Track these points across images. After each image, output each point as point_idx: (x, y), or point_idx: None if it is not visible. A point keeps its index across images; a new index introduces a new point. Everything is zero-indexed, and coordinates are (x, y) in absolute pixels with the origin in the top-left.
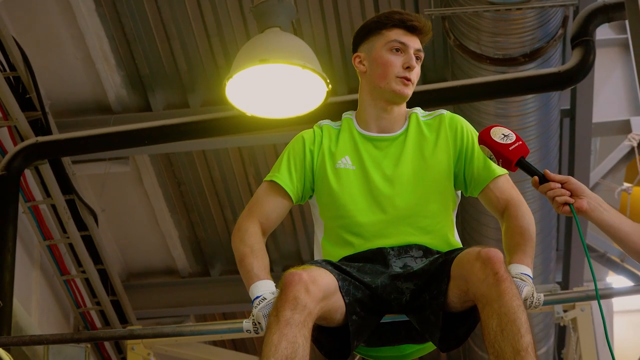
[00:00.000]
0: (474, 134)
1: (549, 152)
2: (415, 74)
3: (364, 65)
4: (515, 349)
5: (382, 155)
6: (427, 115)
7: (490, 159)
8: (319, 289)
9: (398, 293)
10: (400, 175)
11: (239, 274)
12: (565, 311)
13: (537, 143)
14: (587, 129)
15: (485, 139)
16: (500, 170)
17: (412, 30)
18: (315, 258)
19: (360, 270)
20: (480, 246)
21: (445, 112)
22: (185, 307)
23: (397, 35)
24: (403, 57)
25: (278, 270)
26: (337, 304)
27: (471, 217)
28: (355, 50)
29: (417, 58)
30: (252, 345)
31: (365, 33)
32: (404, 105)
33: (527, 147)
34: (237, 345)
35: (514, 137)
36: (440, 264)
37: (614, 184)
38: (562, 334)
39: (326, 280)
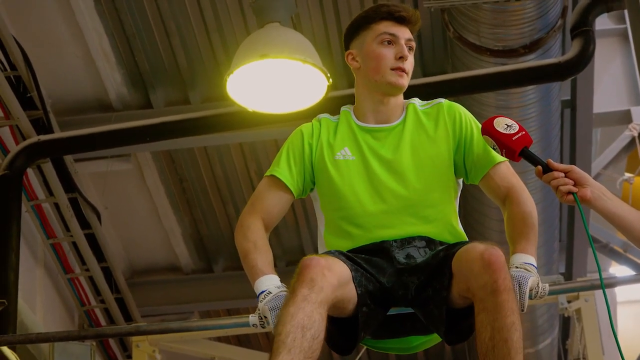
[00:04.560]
0: (473, 121)
1: (550, 143)
2: (409, 64)
3: (357, 61)
4: None
5: (380, 144)
6: (425, 104)
7: (494, 149)
8: (335, 276)
9: (404, 289)
10: (400, 164)
11: (242, 269)
12: (569, 302)
13: (539, 134)
14: (588, 119)
15: (488, 130)
16: (500, 157)
17: (401, 21)
18: (319, 252)
19: (368, 262)
20: (483, 244)
21: (443, 101)
22: (189, 303)
23: (386, 27)
24: (395, 48)
25: (281, 265)
26: (350, 294)
27: (473, 208)
28: (347, 47)
29: (409, 48)
30: (257, 341)
31: (355, 29)
32: (401, 96)
33: (531, 137)
34: (242, 341)
35: (517, 127)
36: (442, 259)
37: (616, 174)
38: (566, 324)
39: (341, 269)
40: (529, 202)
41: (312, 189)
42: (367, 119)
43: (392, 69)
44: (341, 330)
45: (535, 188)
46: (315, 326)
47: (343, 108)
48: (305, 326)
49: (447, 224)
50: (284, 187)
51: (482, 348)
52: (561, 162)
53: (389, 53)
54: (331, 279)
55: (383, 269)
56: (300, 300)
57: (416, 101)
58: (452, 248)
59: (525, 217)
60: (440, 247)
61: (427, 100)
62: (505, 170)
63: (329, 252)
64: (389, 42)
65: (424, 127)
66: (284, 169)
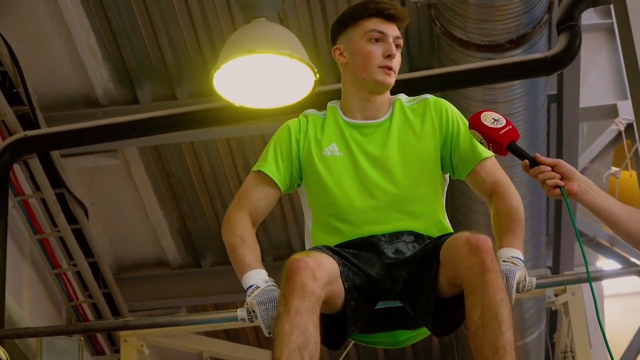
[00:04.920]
0: (459, 117)
1: (537, 138)
2: (397, 62)
3: (344, 57)
4: (494, 346)
5: (368, 141)
6: (412, 100)
7: (481, 143)
8: (325, 274)
9: (393, 282)
10: (387, 160)
11: (230, 264)
12: (556, 295)
13: (525, 129)
14: (575, 113)
15: (475, 124)
16: (487, 152)
17: (390, 18)
18: (307, 247)
19: (356, 257)
20: (470, 232)
21: (429, 97)
22: (176, 298)
23: (374, 24)
24: (383, 46)
25: (269, 260)
26: (339, 289)
27: (460, 203)
28: (334, 42)
29: (397, 46)
30: (245, 335)
31: (342, 25)
32: (388, 92)
33: (517, 131)
34: (230, 335)
35: (504, 122)
36: (430, 249)
37: (602, 168)
38: (553, 318)
39: (330, 265)
40: (515, 197)
41: (299, 185)
42: (354, 115)
43: (380, 67)
44: (330, 325)
45: (521, 182)
46: (311, 340)
47: (330, 104)
48: (302, 345)
49: (435, 219)
50: (271, 183)
51: (472, 327)
52: (548, 156)
53: (377, 51)
54: (322, 278)
55: (371, 263)
56: (294, 314)
57: (403, 97)
58: (440, 238)
59: (511, 212)
60: (429, 240)
61: (413, 95)
62: (492, 165)
63: (316, 248)
64: (377, 40)
65: (410, 123)
66: (271, 164)
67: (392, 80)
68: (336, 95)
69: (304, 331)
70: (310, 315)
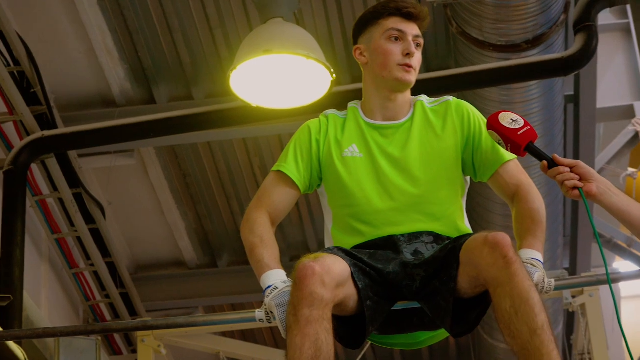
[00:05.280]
0: (481, 119)
1: (553, 138)
2: (417, 60)
3: (364, 56)
4: (531, 328)
5: (388, 142)
6: (433, 101)
7: (499, 144)
8: (333, 279)
9: (409, 280)
10: (408, 162)
11: (247, 264)
12: (573, 297)
13: (542, 129)
14: (591, 114)
15: (493, 124)
16: (509, 155)
17: (409, 17)
18: (326, 247)
19: (372, 257)
20: (487, 231)
21: (451, 99)
22: (193, 298)
23: (394, 23)
24: (402, 44)
25: (285, 260)
26: (351, 291)
27: (478, 204)
28: (355, 42)
29: (417, 45)
30: (262, 336)
31: (363, 24)
32: (409, 92)
33: (536, 132)
34: (247, 336)
35: (522, 122)
36: (449, 250)
37: (619, 169)
38: (570, 319)
39: (339, 268)
40: (537, 199)
41: (319, 185)
42: (375, 116)
43: (399, 65)
44: (349, 325)
45: (539, 183)
46: (324, 349)
47: (350, 104)
48: (315, 356)
49: (454, 221)
50: (291, 183)
51: (505, 318)
52: (565, 157)
53: (396, 49)
54: (330, 284)
55: (388, 260)
56: (304, 325)
57: (424, 98)
58: (459, 239)
59: (533, 214)
60: (448, 241)
61: (432, 96)
62: (514, 167)
63: (327, 249)
64: (397, 39)
65: (431, 125)
66: (291, 164)
67: (412, 77)
68: (352, 95)
69: (315, 341)
70: (321, 322)
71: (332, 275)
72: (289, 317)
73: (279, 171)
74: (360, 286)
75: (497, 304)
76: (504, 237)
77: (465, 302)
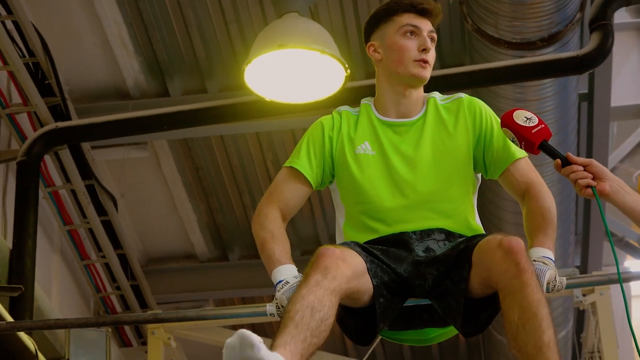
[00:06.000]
0: (493, 116)
1: (567, 137)
2: (432, 56)
3: (379, 53)
4: (537, 345)
5: (401, 139)
6: (446, 99)
7: (513, 141)
8: (349, 268)
9: (421, 279)
10: (420, 159)
11: (258, 258)
12: (584, 295)
13: (556, 127)
14: (605, 113)
15: (508, 122)
16: (520, 152)
17: (423, 13)
18: (337, 242)
19: (385, 253)
20: (502, 234)
21: (463, 96)
22: (204, 291)
23: (408, 19)
24: (417, 40)
25: (296, 254)
26: (365, 285)
27: (489, 200)
28: (367, 39)
29: (431, 40)
30: (272, 330)
31: (376, 21)
32: (422, 89)
33: (550, 130)
34: (257, 329)
35: (536, 120)
36: (461, 250)
37: (632, 167)
38: (581, 317)
39: (356, 261)
40: (547, 197)
41: (330, 182)
42: (388, 113)
43: (415, 61)
44: (360, 321)
45: (551, 181)
46: (325, 310)
47: (363, 101)
48: (315, 308)
49: (465, 219)
50: (303, 179)
51: (512, 329)
52: (577, 155)
53: (411, 45)
54: (345, 270)
55: (401, 259)
56: (313, 284)
57: (437, 95)
58: (472, 240)
59: (544, 212)
60: (460, 239)
61: (446, 93)
62: (525, 165)
63: (345, 243)
64: (412, 34)
65: (444, 122)
66: (304, 160)
67: (427, 73)
68: (366, 91)
69: (320, 299)
70: (329, 292)
71: (349, 264)
72: (300, 284)
73: (291, 167)
74: (374, 283)
75: (505, 312)
76: (518, 244)
77: (477, 302)
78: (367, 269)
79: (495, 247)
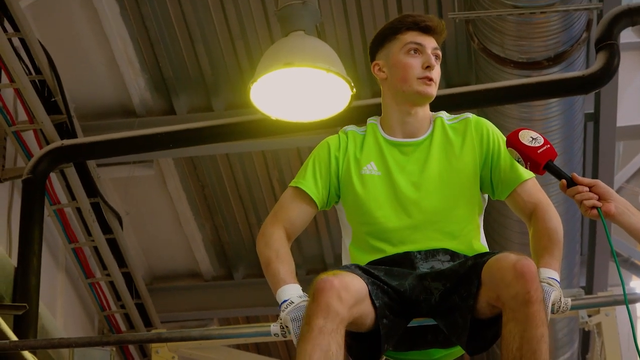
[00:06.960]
0: (500, 137)
1: (573, 156)
2: (436, 73)
3: (383, 72)
4: None
5: (408, 160)
6: (453, 118)
7: (518, 161)
8: (351, 295)
9: (427, 294)
10: (427, 180)
11: (263, 277)
12: (589, 316)
13: (561, 147)
14: (611, 132)
15: (513, 142)
16: (527, 173)
17: (427, 30)
18: (343, 262)
19: (388, 273)
20: (515, 254)
21: (470, 116)
22: (209, 310)
23: (412, 37)
24: (421, 57)
25: (302, 273)
26: (368, 309)
27: (495, 220)
28: (372, 58)
29: (436, 57)
30: (276, 349)
31: (381, 40)
32: (428, 108)
33: (555, 150)
34: (261, 349)
35: (542, 140)
36: (470, 267)
37: (638, 187)
38: (586, 338)
39: (357, 286)
40: (554, 219)
41: (336, 202)
42: (394, 132)
43: (420, 78)
44: (364, 342)
45: (557, 201)
46: (334, 357)
47: (369, 120)
48: None
49: (470, 240)
50: (308, 199)
51: (510, 356)
52: (583, 175)
53: (415, 62)
54: (347, 300)
55: (404, 276)
56: (317, 334)
57: (443, 115)
58: (482, 257)
59: (550, 234)
60: (465, 258)
61: (452, 111)
62: (532, 186)
63: (345, 267)
64: (416, 52)
65: (451, 143)
66: (310, 181)
67: (432, 90)
68: (372, 110)
69: (326, 352)
70: (334, 335)
71: (350, 292)
72: (303, 327)
73: (296, 187)
74: (377, 304)
75: (505, 337)
76: (530, 268)
77: (482, 321)
78: (369, 291)
79: (508, 269)
